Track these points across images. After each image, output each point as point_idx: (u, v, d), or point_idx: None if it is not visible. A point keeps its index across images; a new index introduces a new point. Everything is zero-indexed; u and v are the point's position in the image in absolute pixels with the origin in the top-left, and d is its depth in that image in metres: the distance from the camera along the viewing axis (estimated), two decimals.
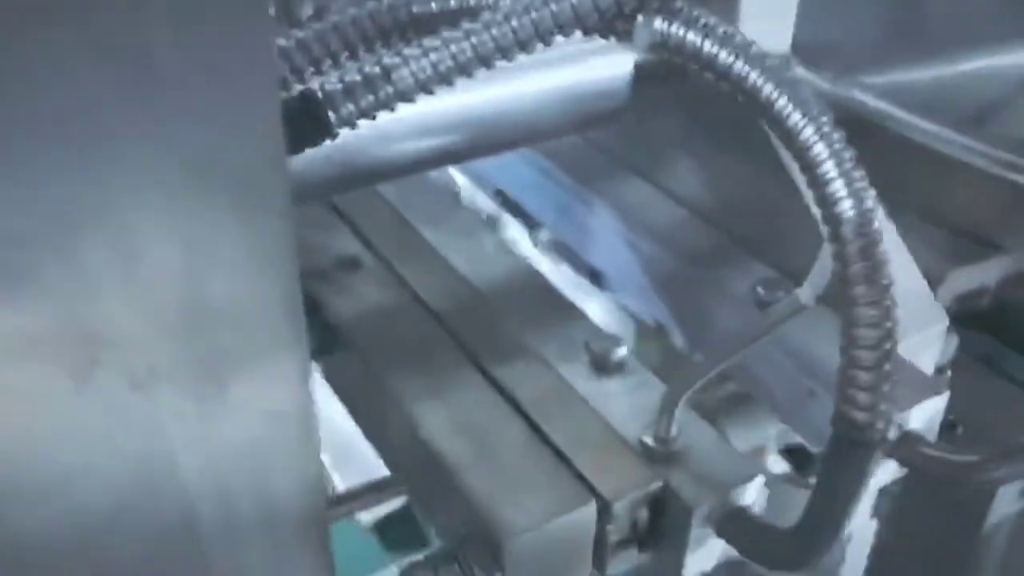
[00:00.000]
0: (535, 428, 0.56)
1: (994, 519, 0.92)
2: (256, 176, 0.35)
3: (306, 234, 0.71)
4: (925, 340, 0.62)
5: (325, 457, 1.61)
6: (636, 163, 0.79)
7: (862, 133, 0.72)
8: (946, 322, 0.64)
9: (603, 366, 0.60)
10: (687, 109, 0.72)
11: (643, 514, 0.54)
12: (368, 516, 1.54)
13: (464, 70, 0.44)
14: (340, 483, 1.61)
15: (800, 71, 0.80)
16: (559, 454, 0.55)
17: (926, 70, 0.88)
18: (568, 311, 0.67)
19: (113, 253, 0.34)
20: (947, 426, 0.80)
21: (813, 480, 0.56)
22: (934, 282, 0.75)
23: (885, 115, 0.79)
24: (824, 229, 0.45)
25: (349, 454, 1.63)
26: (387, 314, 0.65)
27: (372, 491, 0.96)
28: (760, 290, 0.64)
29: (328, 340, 0.66)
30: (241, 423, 0.40)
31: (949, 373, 0.77)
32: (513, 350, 0.62)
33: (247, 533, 0.43)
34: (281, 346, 0.39)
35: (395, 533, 1.53)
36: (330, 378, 0.69)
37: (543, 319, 0.65)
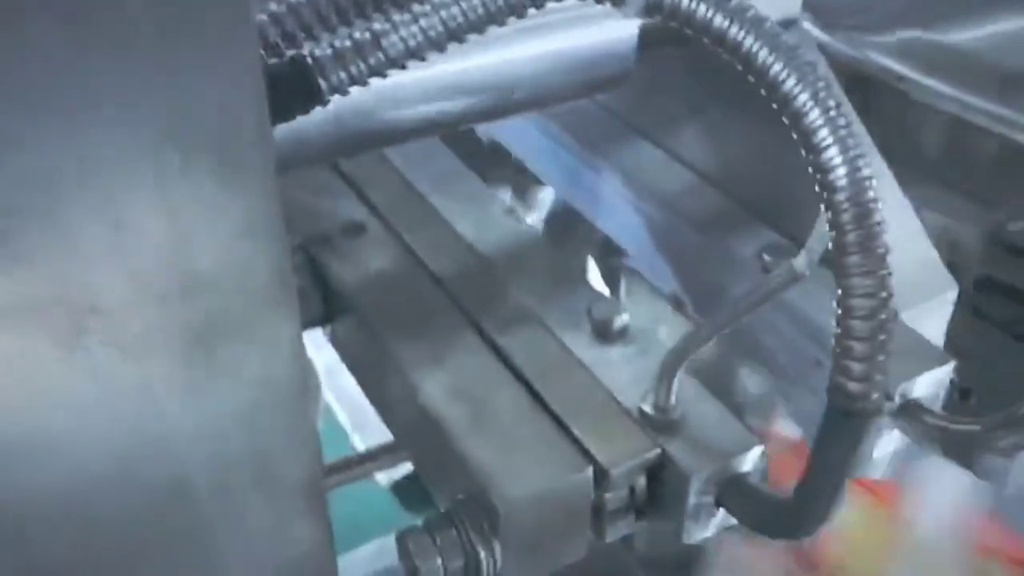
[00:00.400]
0: (535, 395, 0.56)
1: (1011, 489, 0.91)
2: (240, 139, 0.35)
3: (312, 199, 0.71)
4: (933, 308, 0.61)
5: (343, 418, 1.63)
6: (643, 127, 0.78)
7: (878, 95, 0.70)
8: (955, 290, 0.63)
9: (605, 333, 0.60)
10: (694, 71, 0.71)
11: (641, 482, 0.54)
12: (385, 477, 1.56)
13: (454, 36, 0.44)
14: (360, 444, 1.63)
15: (813, 31, 0.79)
16: (558, 421, 0.55)
17: (955, 32, 0.86)
18: (572, 278, 0.66)
19: (99, 221, 0.34)
20: (961, 395, 0.79)
21: None
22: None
23: (901, 77, 0.78)
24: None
25: (368, 415, 1.65)
26: (390, 279, 0.65)
27: (388, 452, 0.98)
28: (766, 256, 0.63)
29: (333, 305, 0.66)
30: (233, 390, 0.40)
31: None
32: (515, 316, 0.62)
33: (243, 498, 0.43)
34: (271, 312, 0.39)
35: (412, 492, 1.55)
36: (336, 343, 0.69)
37: (546, 285, 0.64)
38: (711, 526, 0.56)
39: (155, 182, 0.34)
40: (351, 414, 1.63)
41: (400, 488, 1.57)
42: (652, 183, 0.73)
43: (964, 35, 0.84)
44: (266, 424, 0.42)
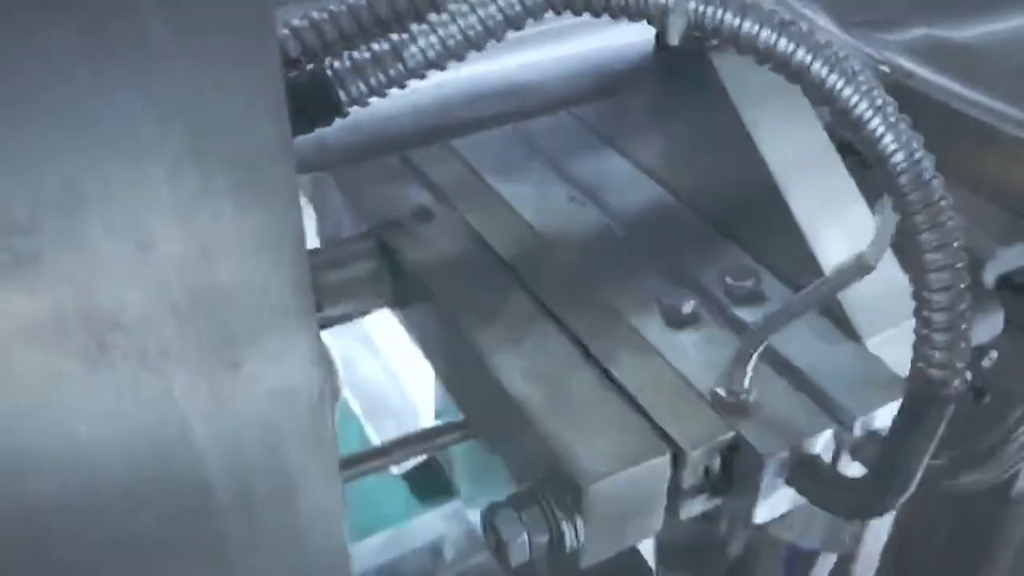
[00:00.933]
0: (610, 378, 0.57)
1: (1022, 487, 0.91)
2: (260, 155, 0.36)
3: (381, 186, 0.72)
4: (899, 335, 0.59)
5: (357, 407, 1.64)
6: (611, 137, 0.78)
7: (900, 99, 0.70)
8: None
9: (675, 319, 0.61)
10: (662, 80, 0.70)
11: (716, 462, 0.55)
12: (397, 467, 1.57)
13: (473, 44, 0.44)
14: (373, 432, 1.64)
15: (830, 27, 0.79)
16: (634, 403, 0.56)
17: (963, 29, 0.85)
18: (638, 263, 0.67)
19: (121, 239, 0.35)
20: (974, 394, 0.79)
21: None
22: (981, 259, 0.74)
23: (921, 79, 0.77)
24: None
25: (381, 404, 1.66)
26: (461, 264, 0.66)
27: (403, 447, 0.98)
28: (729, 279, 0.63)
29: (405, 290, 0.67)
30: (252, 400, 0.41)
31: (995, 353, 0.77)
32: (587, 302, 0.63)
33: (260, 504, 0.44)
34: (290, 324, 0.40)
35: (423, 483, 1.56)
36: (409, 327, 0.70)
37: (613, 271, 0.65)
38: (781, 505, 0.57)
39: (177, 199, 0.35)
40: (364, 403, 1.64)
41: (411, 478, 1.58)
42: (618, 194, 0.73)
43: (972, 32, 0.84)
44: (284, 432, 0.43)
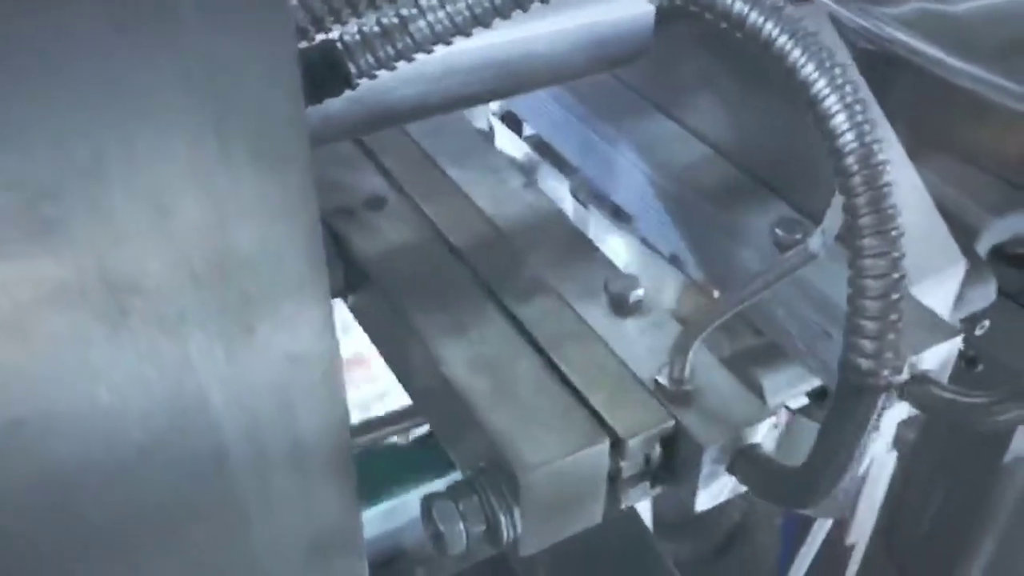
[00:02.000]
0: (552, 366, 0.58)
1: (1014, 452, 0.93)
2: (276, 126, 0.37)
3: (332, 172, 0.72)
4: (942, 282, 0.62)
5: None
6: (658, 99, 0.79)
7: (889, 67, 0.71)
8: (964, 263, 0.64)
9: (621, 306, 0.61)
10: (709, 43, 0.71)
11: (656, 451, 0.56)
12: (399, 437, 1.57)
13: (480, 21, 0.45)
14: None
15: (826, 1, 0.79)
16: (575, 392, 0.56)
17: (960, 2, 0.85)
18: (588, 251, 0.67)
19: (141, 206, 0.35)
20: (967, 362, 0.81)
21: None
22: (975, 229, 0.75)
23: (916, 51, 0.78)
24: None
25: None
26: (410, 251, 0.66)
27: (407, 417, 0.99)
28: (779, 231, 0.64)
29: (354, 277, 0.68)
30: (267, 364, 0.42)
31: (987, 322, 0.78)
32: (532, 288, 0.63)
33: (274, 467, 0.45)
34: (304, 291, 0.41)
35: (426, 453, 1.56)
36: (357, 314, 0.71)
37: (563, 258, 0.65)
38: (722, 494, 0.57)
39: (195, 168, 0.36)
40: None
41: (412, 450, 1.58)
42: (666, 156, 0.74)
43: (966, 4, 0.84)
44: (298, 398, 0.44)
